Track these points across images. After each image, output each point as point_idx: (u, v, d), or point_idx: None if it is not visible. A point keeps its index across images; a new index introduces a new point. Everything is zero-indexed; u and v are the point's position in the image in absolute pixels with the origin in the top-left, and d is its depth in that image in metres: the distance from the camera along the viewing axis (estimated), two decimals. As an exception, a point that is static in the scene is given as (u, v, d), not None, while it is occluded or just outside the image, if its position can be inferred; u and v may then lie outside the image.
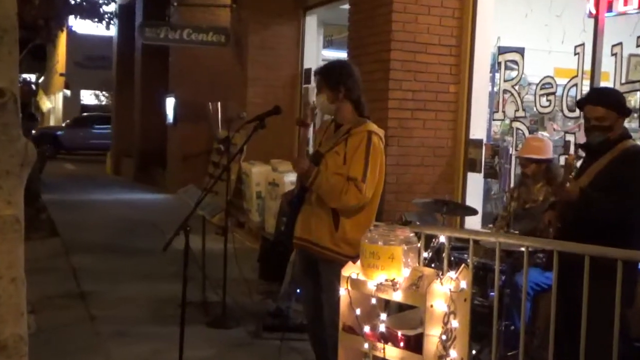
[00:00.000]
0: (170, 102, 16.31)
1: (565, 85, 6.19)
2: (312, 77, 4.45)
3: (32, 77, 43.29)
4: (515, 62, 6.82)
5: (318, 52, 11.34)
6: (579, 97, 6.07)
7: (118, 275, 7.90)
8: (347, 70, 4.22)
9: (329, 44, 11.45)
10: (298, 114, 11.26)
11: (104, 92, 37.43)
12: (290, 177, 8.34)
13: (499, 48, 7.23)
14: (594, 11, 5.95)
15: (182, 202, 7.72)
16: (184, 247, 4.19)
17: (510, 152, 6.96)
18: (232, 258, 6.30)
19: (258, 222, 9.88)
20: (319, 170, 4.03)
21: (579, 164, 4.12)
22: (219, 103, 10.65)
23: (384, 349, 3.35)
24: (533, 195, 5.42)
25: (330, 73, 4.18)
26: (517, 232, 5.22)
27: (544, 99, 6.44)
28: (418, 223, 5.76)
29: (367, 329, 3.44)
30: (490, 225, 6.04)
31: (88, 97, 40.07)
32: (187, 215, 4.16)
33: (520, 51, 6.83)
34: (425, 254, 5.05)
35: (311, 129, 4.33)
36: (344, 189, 3.97)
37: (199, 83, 15.06)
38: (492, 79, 7.38)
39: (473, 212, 5.90)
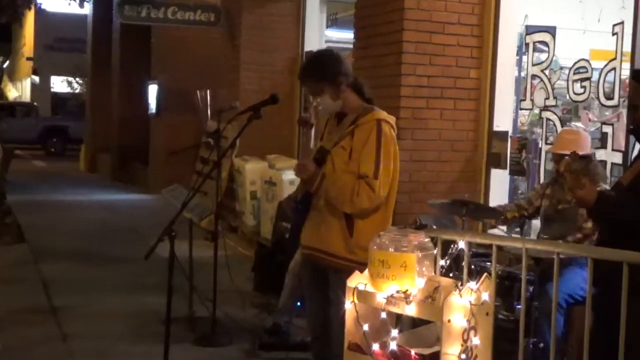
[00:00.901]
0: (152, 90, 16.32)
1: (602, 69, 6.19)
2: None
3: (-5, 62, 43.39)
4: (545, 43, 6.82)
5: (321, 32, 11.35)
6: (617, 82, 6.07)
7: (94, 286, 7.92)
8: (335, 56, 4.22)
9: (332, 23, 11.45)
10: (298, 103, 11.30)
11: (77, 79, 37.43)
12: (289, 176, 8.34)
13: (527, 27, 7.23)
14: (634, -15, 5.95)
15: (166, 203, 7.73)
16: (169, 255, 4.20)
17: (540, 145, 6.96)
18: (223, 267, 6.31)
19: (253, 227, 9.89)
20: (323, 175, 4.03)
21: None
22: (208, 91, 10.66)
23: (395, 369, 3.36)
24: (567, 195, 5.42)
25: (325, 68, 4.14)
26: (546, 236, 5.23)
27: (577, 85, 6.43)
28: (434, 227, 5.76)
29: (375, 347, 3.45)
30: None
31: (59, 84, 40.07)
32: (172, 219, 4.17)
33: (551, 31, 6.83)
34: (442, 262, 5.05)
35: (314, 128, 4.34)
36: (354, 190, 3.97)
37: (185, 68, 15.08)
38: (519, 63, 7.38)
39: (497, 214, 5.90)
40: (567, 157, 4.11)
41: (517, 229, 6.17)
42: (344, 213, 4.06)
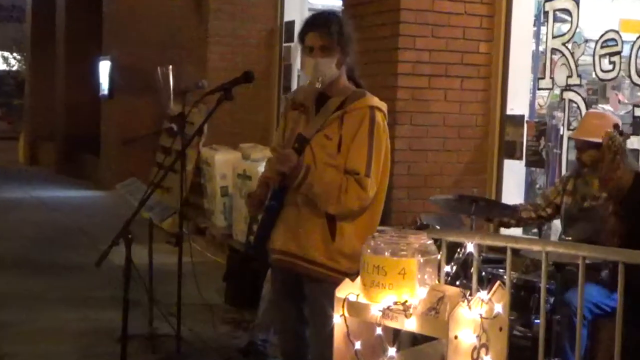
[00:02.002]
0: (104, 68, 16.26)
1: (634, 42, 6.21)
2: (296, 36, 4.32)
3: None
4: (568, 12, 6.84)
5: (303, -1, 11.35)
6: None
7: (36, 300, 7.89)
8: (350, 24, 4.22)
9: (317, -12, 11.44)
10: (277, 83, 11.28)
11: (14, 54, 37.25)
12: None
13: (546, -7, 7.25)
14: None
15: (121, 200, 7.72)
16: (125, 262, 4.19)
17: (561, 132, 6.98)
18: (189, 276, 6.30)
19: (224, 228, 9.89)
20: (308, 168, 4.01)
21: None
22: (171, 68, 10.61)
23: (393, 395, 3.37)
24: (593, 190, 5.44)
25: (344, 29, 4.12)
26: (569, 238, 5.25)
27: (605, 60, 6.45)
28: (438, 227, 5.77)
29: (370, 368, 3.46)
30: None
31: (-7, 60, 39.88)
32: (129, 219, 4.15)
33: (575, -3, 6.85)
34: (447, 268, 5.06)
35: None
36: (342, 187, 3.97)
37: (143, 42, 15.02)
38: (537, 35, 7.40)
39: (511, 212, 5.92)
40: (609, 130, 4.13)
41: (535, 230, 6.20)
42: (326, 213, 4.05)
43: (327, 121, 4.08)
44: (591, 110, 6.50)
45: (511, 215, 5.84)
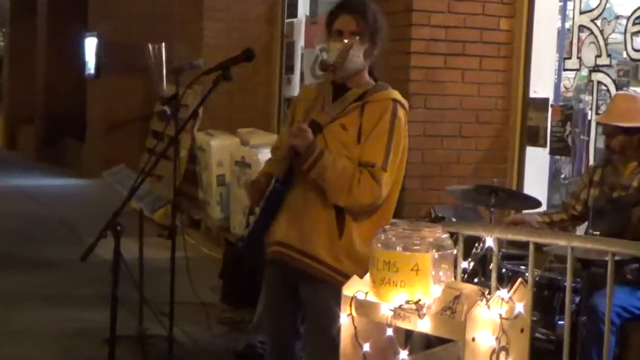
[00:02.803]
0: (90, 44, 16.25)
1: (669, 18, 6.23)
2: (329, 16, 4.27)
3: None
4: (597, -15, 6.85)
5: (308, -32, 11.33)
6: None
7: (13, 297, 7.90)
8: (384, 18, 4.24)
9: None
10: (279, 62, 11.27)
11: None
12: (268, 155, 8.31)
13: (573, -36, 7.25)
14: None
15: (108, 190, 7.74)
16: (113, 257, 4.20)
17: (589, 116, 6.98)
18: (182, 272, 6.32)
19: (220, 221, 9.91)
20: (322, 151, 4.01)
21: None
22: (163, 45, 10.61)
23: (404, 402, 3.39)
24: (622, 179, 5.45)
25: (377, 17, 4.14)
26: (597, 232, 5.26)
27: (638, 39, 6.45)
28: (454, 220, 5.78)
29: (379, 373, 3.47)
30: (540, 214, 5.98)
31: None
32: (117, 210, 4.16)
33: (604, -31, 6.86)
34: (464, 264, 5.08)
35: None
36: (355, 177, 3.99)
37: (132, 17, 15.02)
38: (563, 11, 7.40)
39: (534, 203, 5.93)
40: None
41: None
42: (335, 206, 4.06)
43: (344, 110, 4.11)
44: (620, 92, 6.49)
45: (536, 207, 5.84)
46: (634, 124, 5.35)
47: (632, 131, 5.36)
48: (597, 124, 6.53)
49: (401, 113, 4.11)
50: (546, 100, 7.18)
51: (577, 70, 7.25)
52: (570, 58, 7.12)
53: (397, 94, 4.16)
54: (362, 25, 4.10)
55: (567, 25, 7.26)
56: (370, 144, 4.03)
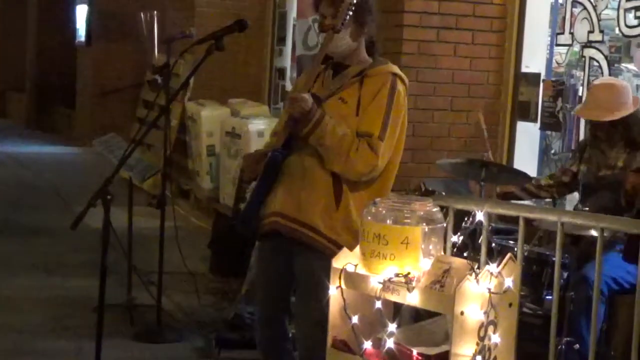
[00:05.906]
0: (81, 12, 16.17)
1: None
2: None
3: None
4: (591, -40, 6.82)
5: None
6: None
7: (5, 266, 7.89)
8: None
9: None
10: (270, 32, 11.22)
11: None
12: (259, 126, 8.33)
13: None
14: None
15: (98, 158, 7.72)
16: (103, 225, 4.19)
17: (580, 92, 6.97)
18: (171, 242, 6.31)
19: (209, 191, 9.88)
20: (323, 115, 4.03)
21: None
22: (155, 13, 10.58)
23: (392, 374, 3.40)
24: (609, 159, 5.45)
25: (359, 3, 4.14)
26: (586, 208, 5.26)
27: (631, 15, 6.43)
28: (444, 193, 5.78)
29: (367, 345, 3.48)
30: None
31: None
32: (107, 179, 4.15)
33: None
34: (454, 238, 5.08)
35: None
36: (353, 145, 4.00)
37: (124, -16, 14.94)
38: (556, -15, 7.37)
39: (524, 178, 5.93)
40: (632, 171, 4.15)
41: (548, 200, 6.20)
42: (333, 176, 4.07)
43: (344, 85, 4.14)
44: (597, 81, 6.32)
45: (526, 181, 5.83)
46: (617, 116, 5.34)
47: (616, 121, 5.36)
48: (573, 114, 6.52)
49: (400, 87, 4.14)
50: (538, 75, 7.17)
51: (570, 45, 7.23)
52: (562, 33, 7.10)
53: (396, 69, 4.19)
54: (340, 12, 4.01)
55: (560, 0, 7.23)
56: (368, 115, 4.05)
